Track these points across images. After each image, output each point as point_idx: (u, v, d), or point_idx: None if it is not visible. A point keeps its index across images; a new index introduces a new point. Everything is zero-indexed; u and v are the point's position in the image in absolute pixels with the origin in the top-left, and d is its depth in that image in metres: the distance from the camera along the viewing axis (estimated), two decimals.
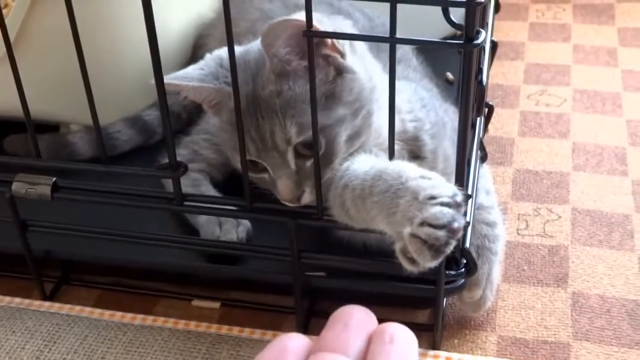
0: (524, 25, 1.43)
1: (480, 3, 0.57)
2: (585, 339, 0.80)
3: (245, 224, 0.82)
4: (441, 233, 0.57)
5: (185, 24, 1.09)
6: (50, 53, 0.95)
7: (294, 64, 0.68)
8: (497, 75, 1.26)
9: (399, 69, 0.83)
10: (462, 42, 0.59)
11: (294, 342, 0.40)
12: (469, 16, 0.58)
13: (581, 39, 1.37)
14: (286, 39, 0.65)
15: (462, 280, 0.74)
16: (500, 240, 0.82)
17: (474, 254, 0.80)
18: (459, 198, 0.59)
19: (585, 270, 0.88)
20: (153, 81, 0.67)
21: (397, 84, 0.80)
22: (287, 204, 0.71)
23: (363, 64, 0.71)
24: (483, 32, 0.60)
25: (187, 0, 1.09)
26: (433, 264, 0.57)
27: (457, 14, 0.64)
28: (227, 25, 0.62)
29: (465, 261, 0.74)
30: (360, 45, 0.72)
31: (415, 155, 0.77)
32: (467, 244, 0.73)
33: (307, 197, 0.70)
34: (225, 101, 0.71)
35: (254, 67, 0.70)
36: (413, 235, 0.58)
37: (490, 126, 1.13)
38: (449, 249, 0.57)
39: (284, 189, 0.70)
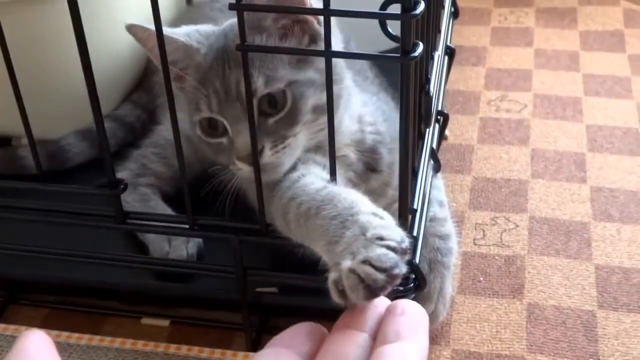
0: (486, 30, 1.42)
1: (415, 15, 0.56)
2: (539, 352, 0.79)
3: (196, 239, 0.80)
4: (381, 276, 0.53)
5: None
6: None
7: (268, 21, 0.67)
8: (457, 81, 1.25)
9: (358, 80, 0.81)
10: (398, 55, 0.57)
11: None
12: (405, 29, 0.56)
13: (543, 44, 1.36)
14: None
15: (412, 296, 0.73)
16: (453, 254, 0.81)
17: (426, 267, 0.79)
18: (406, 245, 0.56)
19: (541, 281, 0.87)
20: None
21: (362, 96, 0.79)
22: (243, 166, 0.67)
23: (337, 47, 0.69)
24: (421, 44, 0.58)
25: (141, 15, 1.07)
26: (364, 303, 0.54)
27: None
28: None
29: (414, 276, 0.72)
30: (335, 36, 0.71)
31: (372, 167, 0.76)
32: (417, 260, 0.72)
33: (267, 154, 0.67)
34: (191, 61, 0.69)
35: (227, 26, 0.70)
36: (352, 271, 0.55)
37: (449, 133, 1.12)
38: (384, 293, 0.54)
39: (243, 143, 0.66)
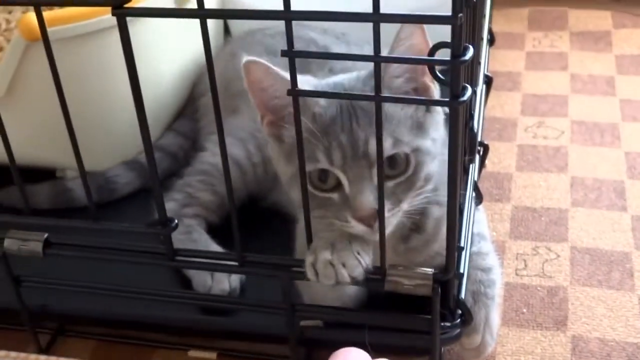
0: (521, 54, 1.42)
1: (464, 62, 0.57)
2: None
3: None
4: (348, 279, 0.67)
5: (180, 71, 1.10)
6: (44, 99, 0.95)
7: (397, 82, 0.67)
8: (494, 107, 1.25)
9: None
10: (447, 100, 0.58)
11: None
12: (454, 74, 0.57)
13: (578, 68, 1.36)
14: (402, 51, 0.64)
15: (458, 331, 0.73)
16: (496, 285, 0.81)
17: (470, 300, 0.79)
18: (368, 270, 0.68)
19: (584, 312, 0.87)
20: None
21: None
22: (357, 225, 0.67)
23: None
24: (469, 88, 0.59)
25: (181, 49, 1.09)
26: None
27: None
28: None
29: (460, 312, 0.73)
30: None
31: (415, 229, 0.76)
32: (462, 295, 0.72)
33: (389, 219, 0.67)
34: (306, 110, 0.67)
35: (354, 79, 0.70)
36: (329, 262, 0.67)
37: (487, 161, 1.12)
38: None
39: (364, 201, 0.66)
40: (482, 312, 0.79)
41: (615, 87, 1.30)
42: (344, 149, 0.66)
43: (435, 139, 0.68)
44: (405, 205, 0.68)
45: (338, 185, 0.68)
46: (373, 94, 0.59)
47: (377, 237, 0.65)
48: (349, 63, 0.84)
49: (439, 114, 0.70)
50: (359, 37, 1.02)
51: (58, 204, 0.97)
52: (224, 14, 0.58)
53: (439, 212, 0.75)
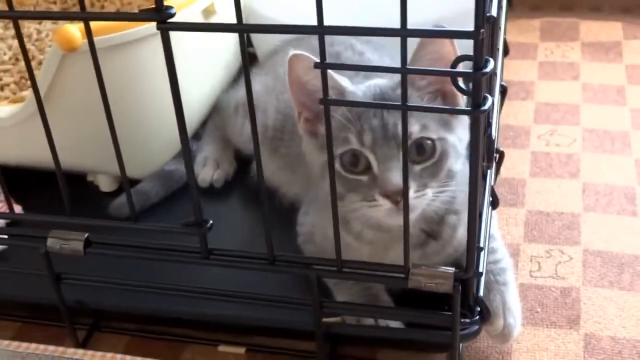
0: (533, 64, 1.46)
1: (485, 73, 0.61)
2: None
3: (222, 172, 1.08)
4: None
5: (207, 85, 1.15)
6: (79, 107, 0.99)
7: (423, 83, 0.74)
8: (508, 115, 1.30)
9: None
10: (469, 109, 0.63)
11: None
12: (476, 85, 0.62)
13: (590, 77, 1.40)
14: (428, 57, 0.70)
15: (477, 327, 0.77)
16: (507, 272, 0.84)
17: (483, 290, 0.82)
18: None
19: (596, 312, 0.91)
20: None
21: None
22: (384, 202, 0.72)
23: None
24: (490, 97, 0.64)
25: (206, 71, 1.14)
26: None
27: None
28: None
29: (479, 309, 0.77)
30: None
31: (433, 236, 0.81)
32: (481, 293, 0.76)
33: (412, 196, 0.71)
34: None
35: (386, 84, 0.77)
36: None
37: (502, 167, 1.16)
38: None
39: (391, 178, 0.71)
40: (497, 298, 0.82)
41: (625, 97, 1.34)
42: (374, 131, 0.72)
43: (461, 138, 0.74)
44: (430, 193, 0.73)
45: (367, 168, 0.74)
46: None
47: (401, 219, 0.69)
48: None
49: (465, 117, 0.74)
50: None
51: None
52: (262, 29, 0.62)
53: (454, 220, 0.80)
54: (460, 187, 0.78)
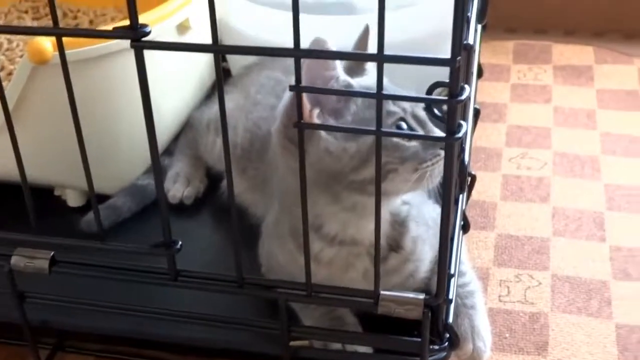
0: (506, 86, 1.47)
1: (461, 101, 0.61)
2: None
3: (193, 189, 1.07)
4: None
5: (177, 108, 1.13)
6: (47, 120, 0.98)
7: None
8: (480, 137, 1.30)
9: None
10: (443, 136, 0.62)
11: None
12: (451, 112, 0.61)
13: (561, 101, 1.42)
14: None
15: (445, 353, 0.77)
16: (475, 295, 0.84)
17: (452, 315, 0.82)
18: None
19: (564, 338, 0.91)
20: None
21: None
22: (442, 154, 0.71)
23: None
24: (464, 125, 0.63)
25: (178, 87, 1.13)
26: None
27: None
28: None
29: (448, 335, 0.77)
30: None
31: (394, 247, 0.80)
32: (450, 320, 0.76)
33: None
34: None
35: None
36: None
37: (473, 190, 1.16)
38: None
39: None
40: (465, 322, 0.82)
41: (596, 121, 1.35)
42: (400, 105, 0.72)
43: None
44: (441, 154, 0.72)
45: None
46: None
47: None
48: None
49: None
50: None
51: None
52: (237, 50, 0.61)
53: (416, 231, 0.80)
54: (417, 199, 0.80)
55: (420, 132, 0.72)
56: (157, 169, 0.71)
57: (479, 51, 1.21)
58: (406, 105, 0.71)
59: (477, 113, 1.10)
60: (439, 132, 0.70)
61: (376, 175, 0.63)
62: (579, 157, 1.25)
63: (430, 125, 0.73)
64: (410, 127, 0.73)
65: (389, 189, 0.72)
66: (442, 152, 0.70)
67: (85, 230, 1.00)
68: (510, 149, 1.28)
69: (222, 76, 0.64)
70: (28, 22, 1.39)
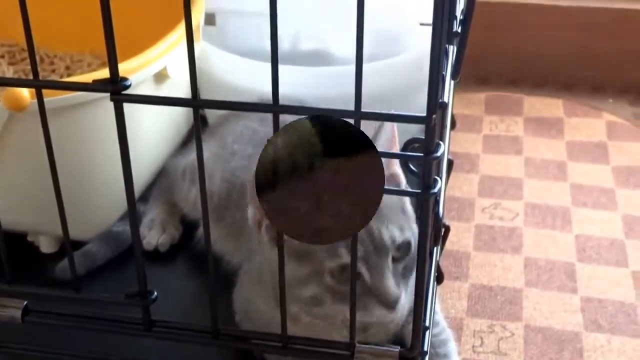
0: (478, 137, 1.50)
1: (436, 158, 0.62)
2: None
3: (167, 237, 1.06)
4: None
5: (153, 155, 1.14)
6: (22, 166, 0.98)
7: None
8: (453, 187, 1.32)
9: None
10: (419, 191, 0.63)
11: None
12: (427, 168, 0.63)
13: (532, 152, 1.44)
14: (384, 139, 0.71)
15: None
16: (448, 344, 0.85)
17: None
18: None
19: None
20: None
21: None
22: (380, 311, 0.73)
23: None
24: (439, 180, 0.64)
25: (155, 134, 1.14)
26: None
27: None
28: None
29: None
30: None
31: None
32: None
33: (403, 298, 0.74)
34: None
35: None
36: None
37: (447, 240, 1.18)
38: None
39: (391, 287, 0.73)
40: None
41: (566, 173, 1.37)
42: (364, 243, 0.72)
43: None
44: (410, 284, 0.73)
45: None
46: None
47: (393, 316, 0.72)
48: None
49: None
50: None
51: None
52: (215, 105, 0.62)
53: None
54: None
55: (367, 279, 0.73)
56: (133, 217, 0.71)
57: (452, 102, 1.23)
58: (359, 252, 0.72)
59: (450, 164, 1.12)
60: (392, 283, 0.73)
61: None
62: (551, 208, 1.27)
63: (387, 275, 0.73)
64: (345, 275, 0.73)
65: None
66: (379, 311, 0.73)
67: (59, 277, 0.99)
68: (483, 199, 1.30)
69: (200, 129, 0.65)
70: (4, 66, 1.39)
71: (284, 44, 1.38)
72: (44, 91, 0.71)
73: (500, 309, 1.05)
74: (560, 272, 1.12)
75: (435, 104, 0.60)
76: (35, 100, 0.71)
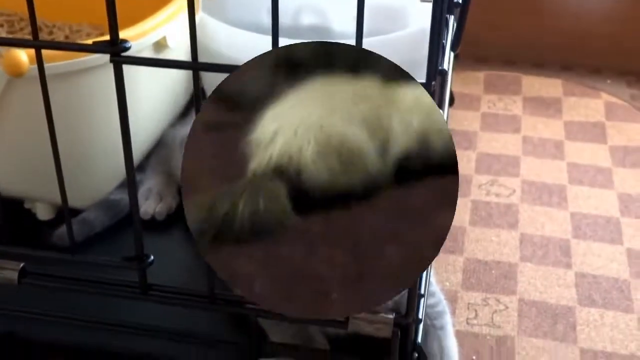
0: (477, 115, 1.50)
1: None
2: None
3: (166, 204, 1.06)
4: None
5: (151, 125, 1.14)
6: (21, 132, 0.98)
7: None
8: None
9: None
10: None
11: None
12: None
13: (530, 131, 1.44)
14: None
15: None
16: (443, 316, 0.86)
17: (421, 336, 0.84)
18: None
19: None
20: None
21: None
22: None
23: None
24: None
25: (153, 104, 1.13)
26: None
27: None
28: None
29: (417, 355, 0.77)
30: None
31: None
32: (419, 340, 0.77)
33: None
34: None
35: None
36: None
37: None
38: None
39: None
40: (434, 344, 0.83)
41: (563, 151, 1.38)
42: None
43: None
44: None
45: None
46: None
47: None
48: None
49: None
50: None
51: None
52: (215, 68, 0.62)
53: None
54: None
55: None
56: (131, 183, 0.71)
57: (451, 80, 1.24)
58: None
59: None
60: None
61: None
62: (547, 185, 1.28)
63: None
64: None
65: None
66: None
67: (57, 244, 0.99)
68: (480, 176, 1.30)
69: (200, 93, 0.65)
70: (3, 34, 1.38)
71: (284, 18, 1.38)
72: (43, 58, 0.71)
73: (495, 283, 1.05)
74: (556, 248, 1.12)
75: (435, 70, 0.61)
76: (34, 66, 0.72)
